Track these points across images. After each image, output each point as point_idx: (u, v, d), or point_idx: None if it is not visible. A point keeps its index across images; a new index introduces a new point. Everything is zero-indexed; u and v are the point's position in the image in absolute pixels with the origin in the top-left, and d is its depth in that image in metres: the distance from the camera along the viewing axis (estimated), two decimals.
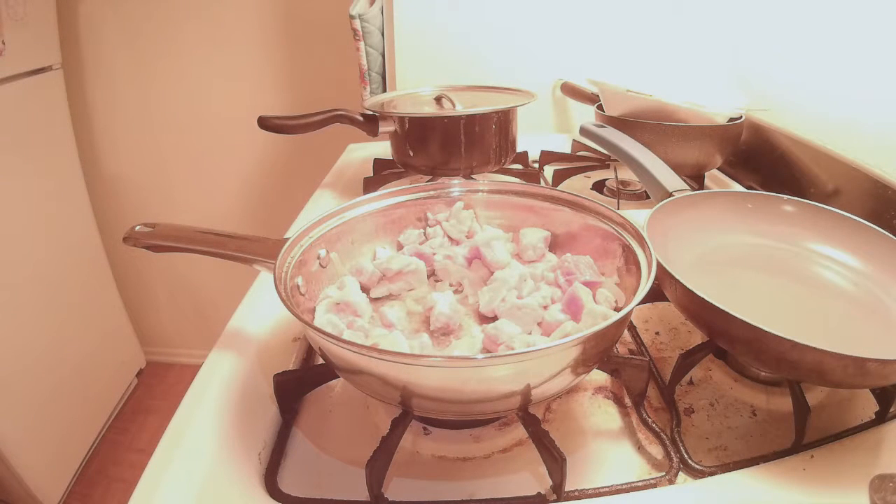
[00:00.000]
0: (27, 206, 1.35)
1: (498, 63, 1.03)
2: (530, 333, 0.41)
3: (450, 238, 0.53)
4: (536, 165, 0.88)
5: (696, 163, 0.75)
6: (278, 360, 0.47)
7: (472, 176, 0.76)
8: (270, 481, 0.36)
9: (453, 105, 0.73)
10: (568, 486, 0.35)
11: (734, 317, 0.35)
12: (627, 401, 0.43)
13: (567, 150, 0.94)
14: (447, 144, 0.71)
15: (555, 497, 0.35)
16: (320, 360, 0.47)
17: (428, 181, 0.67)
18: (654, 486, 0.35)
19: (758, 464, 0.36)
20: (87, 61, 1.51)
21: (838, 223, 0.50)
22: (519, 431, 0.40)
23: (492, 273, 0.48)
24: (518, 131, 0.78)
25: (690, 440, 0.39)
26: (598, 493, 0.35)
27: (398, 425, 0.36)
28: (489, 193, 0.54)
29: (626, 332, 0.50)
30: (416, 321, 0.45)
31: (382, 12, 1.02)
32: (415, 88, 0.87)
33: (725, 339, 0.39)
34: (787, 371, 0.36)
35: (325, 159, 1.03)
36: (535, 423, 0.36)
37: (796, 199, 0.53)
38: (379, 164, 0.87)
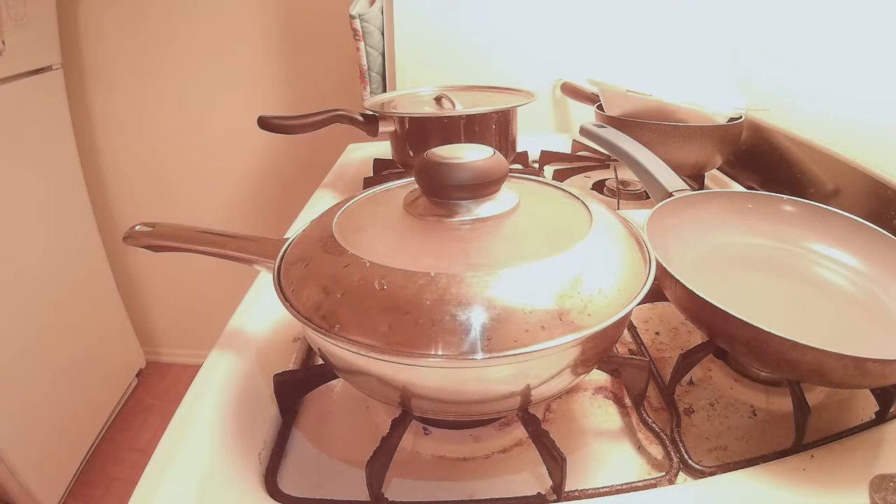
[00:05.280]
0: (27, 206, 1.35)
1: (498, 63, 1.03)
2: None
3: None
4: (536, 165, 0.88)
5: (696, 163, 0.75)
6: (278, 360, 0.47)
7: None
8: (270, 481, 0.36)
9: (453, 105, 0.73)
10: (568, 486, 0.35)
11: (734, 317, 0.35)
12: (627, 401, 0.43)
13: (567, 150, 0.94)
14: (447, 144, 0.71)
15: (555, 497, 0.35)
16: (320, 360, 0.47)
17: None
18: (654, 486, 0.35)
19: (758, 464, 0.36)
20: (87, 61, 1.51)
21: (838, 223, 0.50)
22: (519, 431, 0.40)
23: None
24: (518, 131, 0.78)
25: (690, 440, 0.39)
26: (598, 493, 0.35)
27: (398, 425, 0.36)
28: None
29: (626, 332, 0.50)
30: None
31: (382, 12, 1.02)
32: (415, 88, 0.87)
33: (725, 339, 0.39)
34: (787, 371, 0.36)
35: (325, 159, 1.03)
36: (535, 423, 0.36)
37: (796, 199, 0.53)
38: (379, 164, 0.87)
